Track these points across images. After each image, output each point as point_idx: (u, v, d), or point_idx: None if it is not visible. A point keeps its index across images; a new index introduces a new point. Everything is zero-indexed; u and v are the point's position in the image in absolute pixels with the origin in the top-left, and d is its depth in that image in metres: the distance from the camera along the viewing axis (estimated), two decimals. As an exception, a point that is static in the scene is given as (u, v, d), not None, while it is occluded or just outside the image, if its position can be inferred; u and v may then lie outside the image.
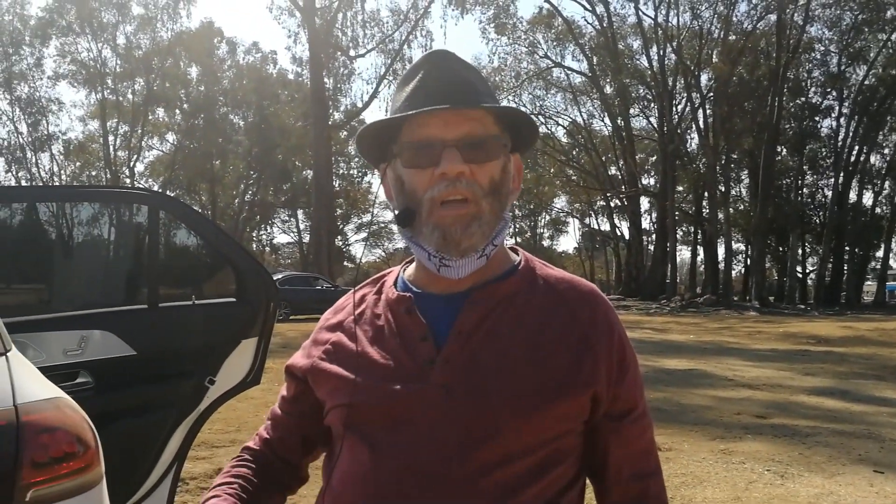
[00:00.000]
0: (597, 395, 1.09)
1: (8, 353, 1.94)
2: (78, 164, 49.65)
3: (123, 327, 3.15)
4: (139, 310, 3.38)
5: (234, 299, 3.46)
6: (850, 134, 40.36)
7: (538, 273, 1.19)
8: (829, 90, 41.89)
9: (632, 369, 1.15)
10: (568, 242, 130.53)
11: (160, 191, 36.27)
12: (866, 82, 39.31)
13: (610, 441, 1.13)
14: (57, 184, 44.12)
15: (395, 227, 1.20)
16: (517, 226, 60.75)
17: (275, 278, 4.44)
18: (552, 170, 49.70)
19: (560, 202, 59.84)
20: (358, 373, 1.12)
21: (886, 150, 43.67)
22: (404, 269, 1.24)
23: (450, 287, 1.13)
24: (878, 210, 43.92)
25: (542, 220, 65.62)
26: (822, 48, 41.02)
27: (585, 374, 1.08)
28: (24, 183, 44.24)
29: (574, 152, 50.22)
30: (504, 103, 1.17)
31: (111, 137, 46.12)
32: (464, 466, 1.03)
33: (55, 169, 48.26)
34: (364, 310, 1.21)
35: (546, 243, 65.85)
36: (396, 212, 1.15)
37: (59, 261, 3.98)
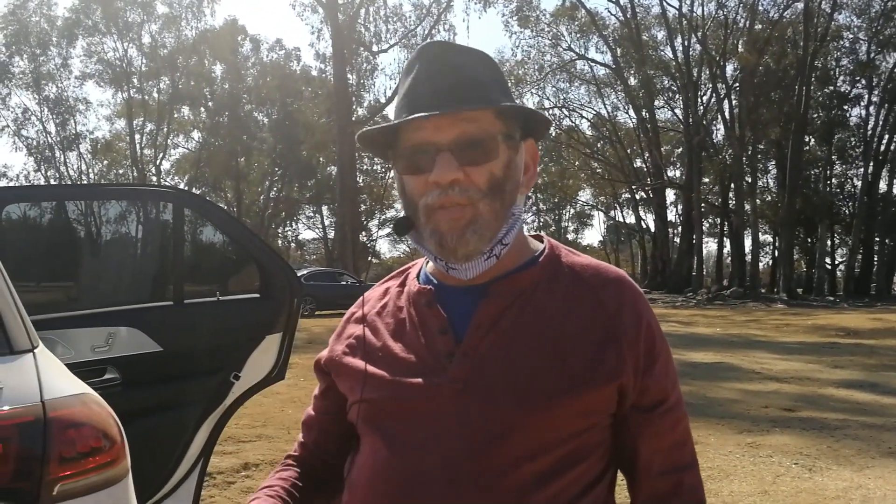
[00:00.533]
0: (623, 387, 1.05)
1: (35, 350, 1.96)
2: (105, 162, 50.12)
3: (149, 324, 3.18)
4: (165, 306, 3.42)
5: (258, 295, 3.49)
6: (880, 123, 39.79)
7: (563, 261, 1.13)
8: (857, 78, 41.30)
9: (662, 359, 1.09)
10: (593, 236, 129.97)
11: (186, 188, 36.59)
12: (896, 70, 38.72)
13: (640, 433, 1.08)
14: (84, 182, 44.64)
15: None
16: (542, 219, 60.62)
17: (300, 274, 4.46)
18: (577, 163, 49.44)
19: (585, 195, 59.67)
20: (377, 367, 1.10)
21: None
22: (427, 262, 1.19)
23: (470, 279, 1.09)
24: (908, 200, 43.17)
25: (567, 214, 65.33)
26: (851, 36, 40.53)
27: (609, 367, 1.03)
28: (52, 181, 44.82)
29: (598, 145, 49.87)
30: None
31: (137, 136, 46.65)
32: (476, 465, 1.00)
33: (83, 167, 48.73)
34: (387, 302, 1.19)
35: (571, 237, 65.43)
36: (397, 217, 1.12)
37: (86, 258, 4.02)
